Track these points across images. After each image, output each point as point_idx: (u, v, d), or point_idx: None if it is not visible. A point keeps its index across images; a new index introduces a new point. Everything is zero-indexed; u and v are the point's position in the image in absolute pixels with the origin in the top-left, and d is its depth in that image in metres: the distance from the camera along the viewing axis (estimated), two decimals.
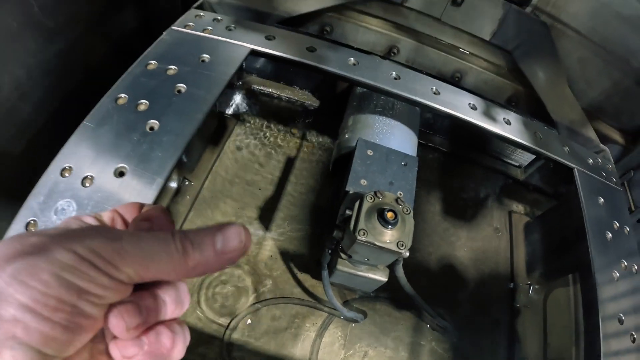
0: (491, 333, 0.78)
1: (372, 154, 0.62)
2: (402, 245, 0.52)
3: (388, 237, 0.52)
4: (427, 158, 0.89)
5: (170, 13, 0.74)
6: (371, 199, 0.54)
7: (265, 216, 0.75)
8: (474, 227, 0.86)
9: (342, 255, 0.58)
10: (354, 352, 0.70)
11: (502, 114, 0.70)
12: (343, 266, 0.59)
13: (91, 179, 0.46)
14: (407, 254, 0.56)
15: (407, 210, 0.54)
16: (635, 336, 0.62)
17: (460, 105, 0.67)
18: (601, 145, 0.82)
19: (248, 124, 0.85)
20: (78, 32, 0.70)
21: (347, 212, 0.54)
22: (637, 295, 0.67)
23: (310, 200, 0.78)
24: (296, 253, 0.73)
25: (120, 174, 0.47)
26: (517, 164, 0.92)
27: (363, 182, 0.59)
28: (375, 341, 0.71)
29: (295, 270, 0.72)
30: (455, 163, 0.92)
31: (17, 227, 0.44)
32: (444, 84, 0.68)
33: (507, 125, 0.69)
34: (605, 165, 0.79)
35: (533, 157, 0.89)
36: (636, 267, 0.69)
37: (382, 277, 0.60)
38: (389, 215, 0.51)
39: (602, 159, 0.80)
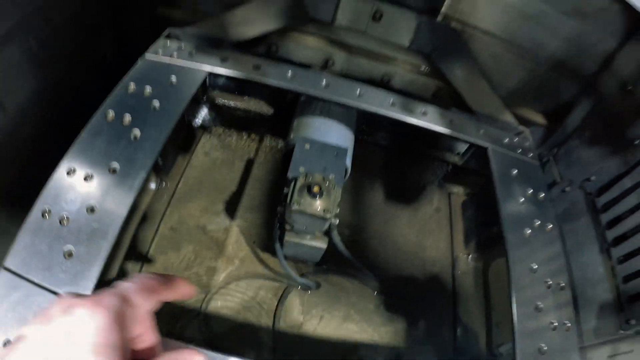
0: (436, 298, 1.05)
1: (309, 147, 0.91)
2: (327, 211, 0.80)
3: (316, 206, 0.80)
4: (372, 152, 1.19)
5: (141, 40, 1.03)
6: (303, 178, 0.82)
7: (231, 208, 1.04)
8: (415, 209, 1.15)
9: (287, 226, 0.86)
10: (311, 316, 0.97)
11: (419, 107, 0.99)
12: (290, 237, 0.87)
13: (91, 176, 0.74)
14: (336, 220, 0.85)
15: (332, 186, 0.83)
16: (550, 282, 0.84)
17: (382, 103, 0.96)
18: (520, 127, 1.11)
19: (213, 133, 1.16)
20: (67, 61, 1.00)
21: (285, 190, 0.83)
22: (550, 248, 0.92)
23: (268, 192, 1.08)
24: (258, 236, 1.02)
25: (113, 171, 0.75)
26: (455, 152, 1.21)
27: (301, 169, 0.88)
28: (329, 307, 0.98)
29: (258, 251, 1.00)
30: (398, 155, 1.21)
31: (35, 214, 0.67)
32: (368, 87, 0.98)
33: (423, 116, 0.98)
34: (522, 143, 1.07)
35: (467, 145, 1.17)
36: (550, 226, 0.95)
37: (322, 244, 0.88)
38: (315, 189, 0.80)
39: (521, 139, 1.09)
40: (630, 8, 1.00)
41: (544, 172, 1.20)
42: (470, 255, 1.09)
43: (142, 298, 0.39)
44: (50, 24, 0.93)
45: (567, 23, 1.06)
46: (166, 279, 0.43)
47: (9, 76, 0.86)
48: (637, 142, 0.97)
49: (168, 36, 1.05)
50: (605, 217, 1.00)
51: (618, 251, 0.95)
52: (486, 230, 1.08)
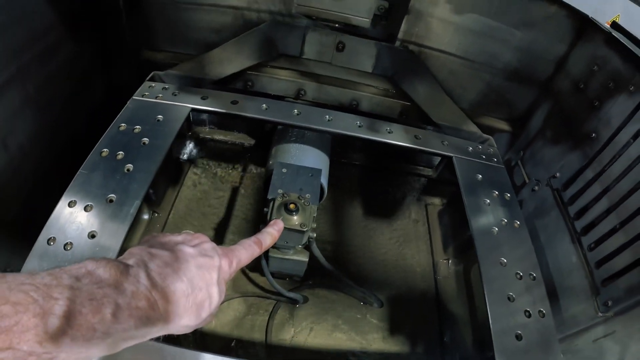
0: (419, 303, 1.19)
1: (286, 171, 1.08)
2: (304, 225, 0.96)
3: (293, 221, 0.96)
4: (350, 172, 1.37)
5: (129, 82, 1.21)
6: (280, 198, 0.99)
7: (220, 233, 1.20)
8: (395, 222, 1.31)
9: None
10: (301, 329, 1.11)
11: (385, 126, 1.17)
12: (274, 253, 1.03)
13: (91, 206, 0.88)
14: (314, 234, 1.00)
15: (306, 203, 0.99)
16: (521, 274, 0.96)
17: (350, 126, 1.14)
18: (484, 135, 1.28)
19: (200, 165, 1.33)
20: (63, 104, 1.17)
21: (265, 209, 0.99)
22: (518, 243, 1.03)
23: (253, 217, 1.24)
24: None
25: (110, 201, 0.91)
26: (429, 166, 1.38)
27: (280, 191, 1.04)
28: (318, 318, 1.12)
29: (247, 271, 1.16)
30: (375, 174, 1.38)
31: (41, 241, 0.81)
32: (337, 112, 1.16)
33: (389, 134, 1.16)
34: (487, 150, 1.24)
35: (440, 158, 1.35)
36: (518, 223, 1.09)
37: (303, 257, 1.04)
38: (291, 206, 0.97)
39: (486, 146, 1.26)
40: (574, 11, 1.19)
41: (514, 174, 1.37)
42: (450, 260, 1.24)
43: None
44: (46, 70, 1.11)
45: (516, 35, 1.25)
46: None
47: (11, 118, 1.02)
48: (593, 135, 1.13)
49: (153, 79, 1.24)
50: (573, 209, 1.15)
51: (588, 239, 1.08)
52: (462, 235, 1.23)
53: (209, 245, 0.63)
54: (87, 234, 0.84)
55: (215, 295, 0.57)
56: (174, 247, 0.58)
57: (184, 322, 0.54)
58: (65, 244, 0.82)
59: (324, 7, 0.50)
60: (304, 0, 0.49)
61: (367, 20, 0.55)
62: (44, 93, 1.12)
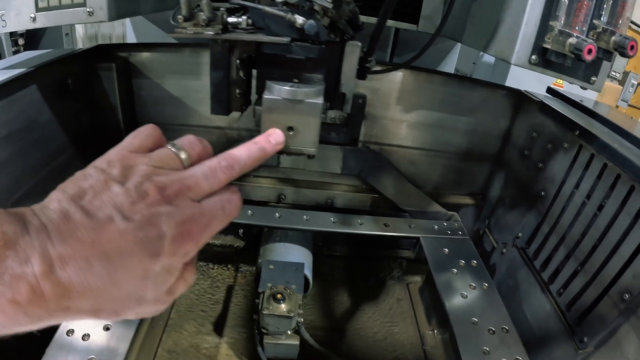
0: None
1: (273, 267, 1.38)
2: (291, 311, 1.24)
3: (281, 309, 1.24)
4: (333, 263, 1.67)
5: None
6: (269, 290, 1.28)
7: (219, 327, 1.47)
8: (379, 303, 1.58)
9: (264, 331, 1.29)
10: None
11: (356, 219, 1.49)
12: (268, 340, 1.29)
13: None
14: (301, 319, 1.28)
15: (292, 292, 1.28)
16: (493, 329, 1.15)
17: (325, 223, 1.46)
18: (449, 212, 1.59)
19: (197, 267, 1.63)
20: None
21: (257, 301, 1.28)
22: (488, 302, 1.26)
23: (248, 311, 1.52)
24: (245, 348, 1.43)
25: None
26: (407, 248, 1.68)
27: (269, 284, 1.34)
28: None
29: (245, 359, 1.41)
30: (359, 262, 1.68)
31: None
32: (313, 212, 1.48)
33: (360, 225, 1.47)
34: (452, 225, 1.54)
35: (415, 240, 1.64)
36: (486, 285, 1.34)
37: (294, 341, 1.30)
38: (278, 296, 1.25)
39: (451, 222, 1.56)
40: (509, 89, 1.56)
41: (484, 242, 1.66)
42: (435, 330, 1.49)
43: None
44: (59, 184, 1.42)
45: (463, 120, 1.61)
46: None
47: None
48: (542, 194, 1.43)
49: None
50: (537, 263, 1.41)
51: (555, 286, 1.31)
52: (442, 306, 1.49)
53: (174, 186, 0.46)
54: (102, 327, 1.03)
55: (148, 294, 0.44)
56: (100, 205, 0.43)
57: (88, 317, 0.42)
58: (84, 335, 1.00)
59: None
60: None
61: (314, 149, 0.86)
62: None
